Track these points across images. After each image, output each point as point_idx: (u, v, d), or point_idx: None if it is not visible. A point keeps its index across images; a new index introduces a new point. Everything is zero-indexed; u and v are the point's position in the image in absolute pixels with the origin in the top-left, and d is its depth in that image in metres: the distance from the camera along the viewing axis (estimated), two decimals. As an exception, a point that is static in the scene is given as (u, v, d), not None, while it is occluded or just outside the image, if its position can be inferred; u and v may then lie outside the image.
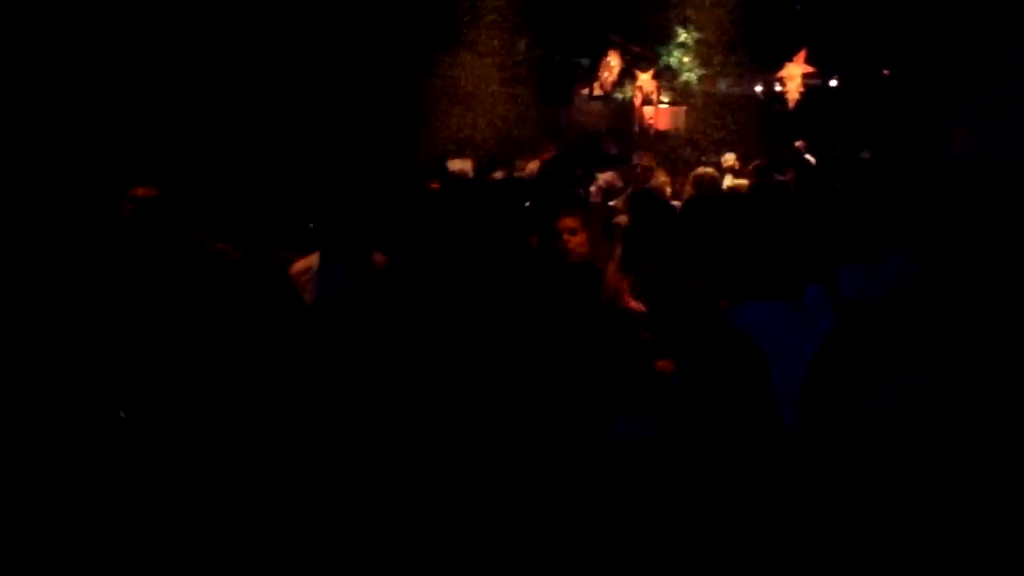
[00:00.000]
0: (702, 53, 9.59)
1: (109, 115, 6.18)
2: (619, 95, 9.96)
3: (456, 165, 6.04)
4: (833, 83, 9.87)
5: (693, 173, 6.69)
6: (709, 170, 6.70)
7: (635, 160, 6.87)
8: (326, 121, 7.06)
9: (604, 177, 6.65)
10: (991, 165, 5.93)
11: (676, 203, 6.85)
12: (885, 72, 9.47)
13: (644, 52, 9.76)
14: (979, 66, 7.51)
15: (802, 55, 9.00)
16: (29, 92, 5.94)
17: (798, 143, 8.38)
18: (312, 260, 4.52)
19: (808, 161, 7.96)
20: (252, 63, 6.77)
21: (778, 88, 9.61)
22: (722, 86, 9.95)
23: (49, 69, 6.08)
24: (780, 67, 9.19)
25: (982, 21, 7.56)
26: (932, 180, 5.58)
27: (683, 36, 9.60)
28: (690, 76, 9.77)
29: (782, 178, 6.36)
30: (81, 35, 6.21)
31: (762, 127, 9.26)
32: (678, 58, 9.64)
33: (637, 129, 9.97)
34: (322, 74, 7.27)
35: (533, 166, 6.36)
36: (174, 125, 6.31)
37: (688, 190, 6.64)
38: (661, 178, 6.95)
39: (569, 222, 4.35)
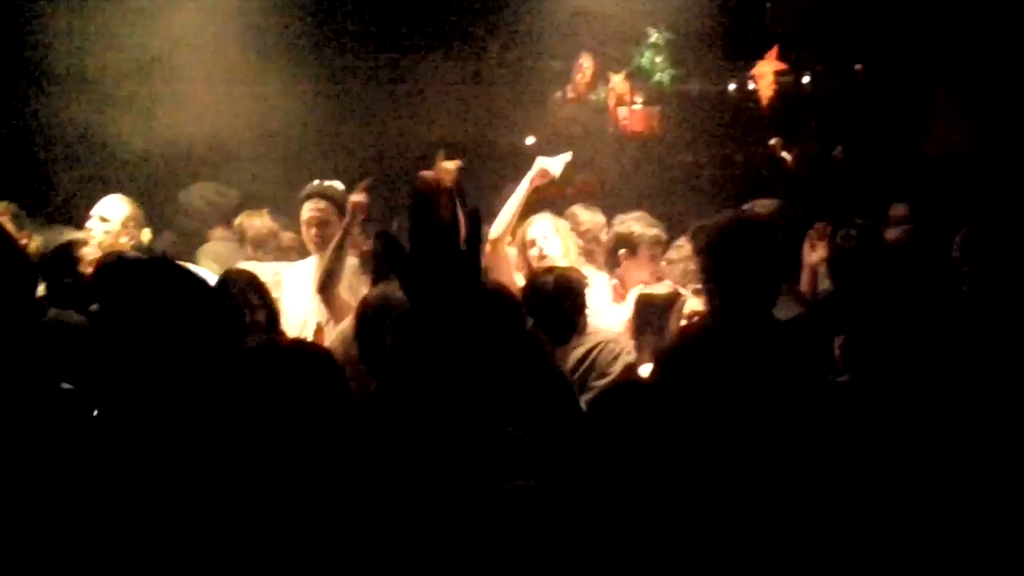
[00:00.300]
0: (674, 53, 9.54)
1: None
2: (593, 97, 9.88)
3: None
4: (806, 79, 9.85)
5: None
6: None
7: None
8: (281, 125, 6.84)
9: (581, 179, 6.56)
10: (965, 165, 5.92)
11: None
12: (858, 67, 9.46)
13: (616, 54, 9.70)
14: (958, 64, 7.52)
15: (773, 52, 8.97)
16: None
17: (773, 141, 8.32)
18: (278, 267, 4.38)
19: (784, 159, 7.90)
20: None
21: (751, 86, 9.57)
22: (695, 86, 9.90)
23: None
24: (752, 65, 9.16)
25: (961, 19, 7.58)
26: (903, 180, 5.55)
27: (655, 37, 9.55)
28: (663, 77, 9.72)
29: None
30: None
31: (737, 125, 9.21)
32: (650, 59, 9.59)
33: (612, 131, 9.89)
34: (274, 73, 7.05)
35: None
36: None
37: None
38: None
39: (542, 228, 4.20)
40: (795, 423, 2.27)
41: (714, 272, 2.55)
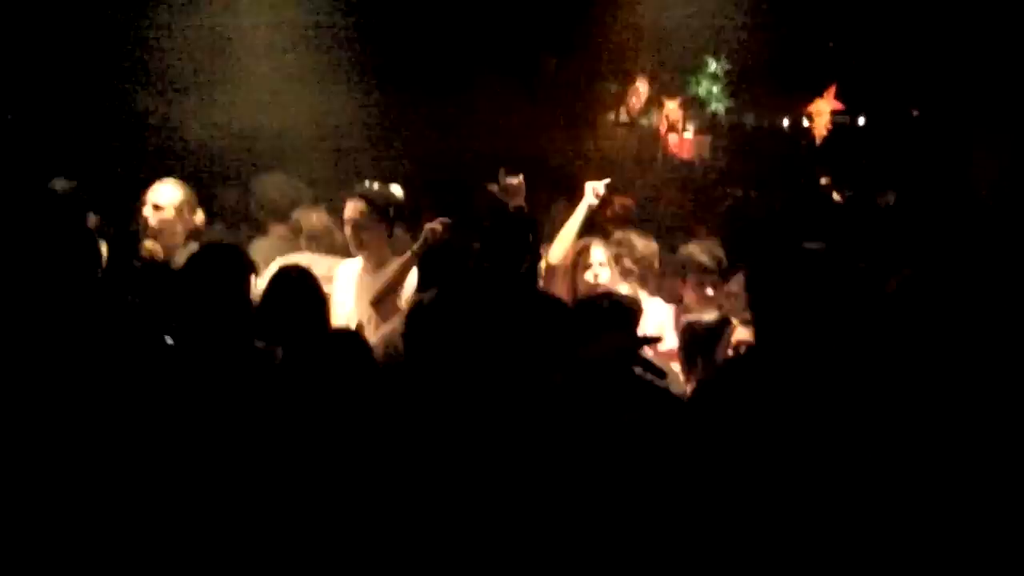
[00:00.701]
0: (731, 84, 9.55)
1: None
2: (645, 122, 9.92)
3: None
4: (861, 121, 9.81)
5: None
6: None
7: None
8: (330, 135, 6.90)
9: (620, 201, 6.57)
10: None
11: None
12: (914, 112, 9.42)
13: (672, 80, 9.73)
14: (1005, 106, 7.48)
15: (831, 91, 8.95)
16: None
17: (824, 180, 8.31)
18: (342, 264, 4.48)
19: (833, 199, 7.88)
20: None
21: (805, 123, 9.56)
22: (749, 118, 9.90)
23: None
24: (808, 102, 9.14)
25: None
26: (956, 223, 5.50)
27: (713, 66, 9.58)
28: (718, 107, 9.74)
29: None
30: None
31: (788, 161, 9.18)
32: (707, 88, 9.61)
33: (661, 157, 9.92)
34: (325, 82, 7.13)
35: None
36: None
37: None
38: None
39: (599, 255, 4.27)
40: (820, 454, 2.30)
41: (753, 303, 2.60)
